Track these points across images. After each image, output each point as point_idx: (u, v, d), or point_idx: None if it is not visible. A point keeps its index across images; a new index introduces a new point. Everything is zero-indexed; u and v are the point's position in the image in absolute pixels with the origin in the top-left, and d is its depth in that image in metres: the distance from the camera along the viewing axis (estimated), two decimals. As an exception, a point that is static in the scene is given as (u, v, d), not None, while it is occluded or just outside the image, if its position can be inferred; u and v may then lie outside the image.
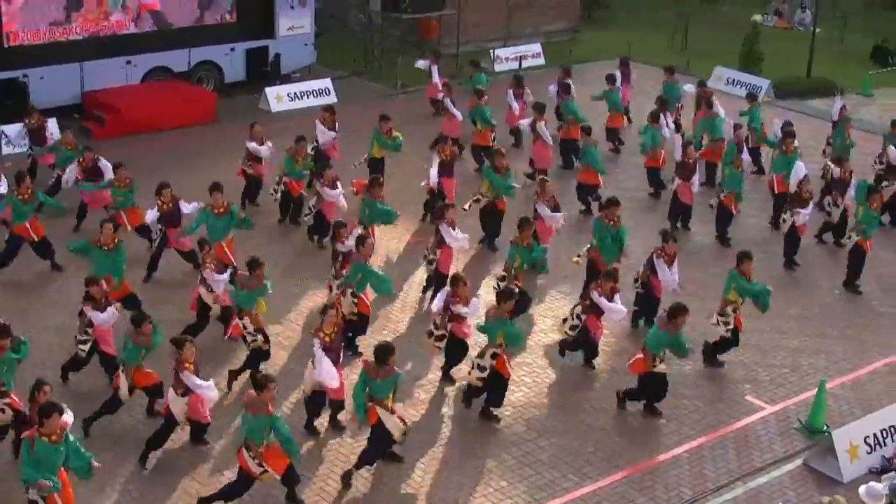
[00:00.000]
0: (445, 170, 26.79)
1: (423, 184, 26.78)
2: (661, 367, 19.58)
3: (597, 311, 20.83)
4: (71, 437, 15.27)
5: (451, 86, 33.55)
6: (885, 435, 18.77)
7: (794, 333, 23.23)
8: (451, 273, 21.76)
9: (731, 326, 21.21)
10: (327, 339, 18.17)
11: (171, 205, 23.47)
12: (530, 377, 20.93)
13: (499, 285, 21.99)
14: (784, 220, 26.09)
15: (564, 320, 21.52)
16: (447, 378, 20.57)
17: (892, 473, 17.81)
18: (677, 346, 19.55)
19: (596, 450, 18.88)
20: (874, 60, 47.59)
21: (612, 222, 23.04)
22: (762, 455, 19.03)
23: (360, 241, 20.98)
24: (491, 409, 19.49)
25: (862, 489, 16.02)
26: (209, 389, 17.43)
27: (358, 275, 20.79)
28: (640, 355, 19.62)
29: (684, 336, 19.71)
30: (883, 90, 43.14)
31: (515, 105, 32.82)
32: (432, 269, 22.90)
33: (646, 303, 22.65)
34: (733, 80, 41.30)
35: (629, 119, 35.43)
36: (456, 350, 20.30)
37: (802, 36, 49.30)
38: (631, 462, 18.60)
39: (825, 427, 19.55)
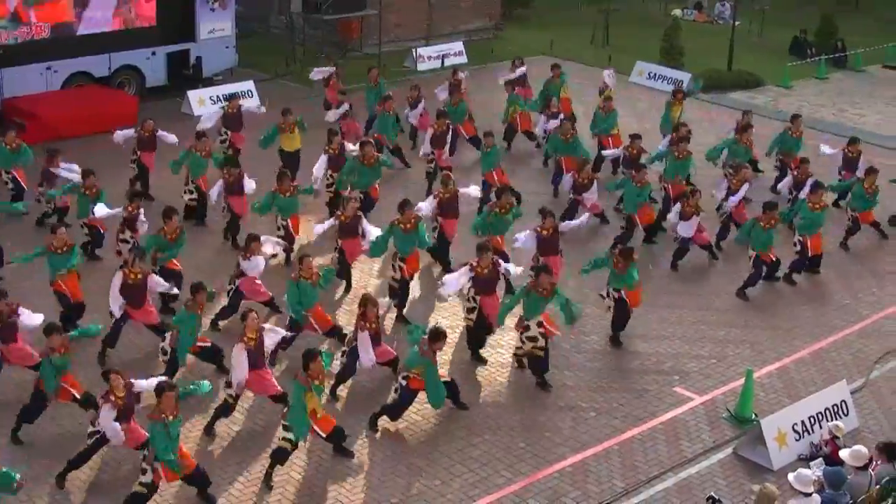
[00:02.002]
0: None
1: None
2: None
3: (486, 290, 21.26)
4: None
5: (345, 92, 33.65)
6: (812, 422, 18.98)
7: (719, 324, 23.44)
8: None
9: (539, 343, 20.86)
10: (251, 343, 18.33)
11: (136, 212, 23.87)
12: (460, 376, 20.92)
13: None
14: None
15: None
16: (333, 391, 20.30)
17: (821, 460, 18.05)
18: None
19: (527, 445, 18.93)
20: (793, 53, 48.09)
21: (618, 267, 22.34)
22: (692, 445, 19.17)
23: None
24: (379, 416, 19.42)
25: (791, 476, 16.16)
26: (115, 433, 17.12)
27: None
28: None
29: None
30: (801, 82, 43.68)
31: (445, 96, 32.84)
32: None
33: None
34: (655, 75, 41.60)
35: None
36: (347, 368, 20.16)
37: (722, 29, 49.75)
38: (562, 457, 18.67)
39: (753, 416, 19.75)
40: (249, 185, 25.79)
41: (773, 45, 49.23)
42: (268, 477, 17.65)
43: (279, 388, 18.93)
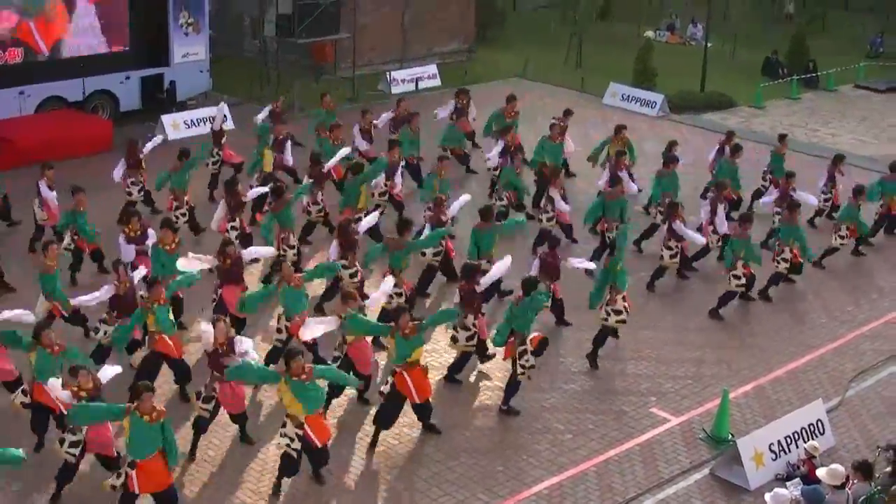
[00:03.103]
0: None
1: None
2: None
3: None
4: None
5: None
6: (788, 441, 19.01)
7: (695, 345, 23.49)
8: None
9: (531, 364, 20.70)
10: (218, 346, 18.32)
11: (139, 233, 23.54)
12: (435, 398, 20.86)
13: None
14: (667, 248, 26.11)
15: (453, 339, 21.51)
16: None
17: (798, 479, 18.07)
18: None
19: (504, 468, 18.89)
20: (765, 73, 48.36)
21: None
22: (669, 466, 19.18)
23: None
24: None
25: (767, 496, 16.24)
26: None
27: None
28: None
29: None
30: (773, 102, 43.89)
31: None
32: None
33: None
34: (628, 97, 41.75)
35: (474, 144, 34.89)
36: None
37: (695, 50, 50.03)
38: (539, 479, 18.62)
39: (730, 436, 19.76)
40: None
41: (745, 65, 49.50)
42: (276, 489, 17.74)
43: (245, 405, 18.97)
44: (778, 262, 25.60)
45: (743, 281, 24.79)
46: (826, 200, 29.79)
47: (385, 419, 19.21)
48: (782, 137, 31.43)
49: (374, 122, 31.96)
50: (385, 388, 19.17)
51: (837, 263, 27.77)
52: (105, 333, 20.56)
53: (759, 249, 25.31)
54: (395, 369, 19.02)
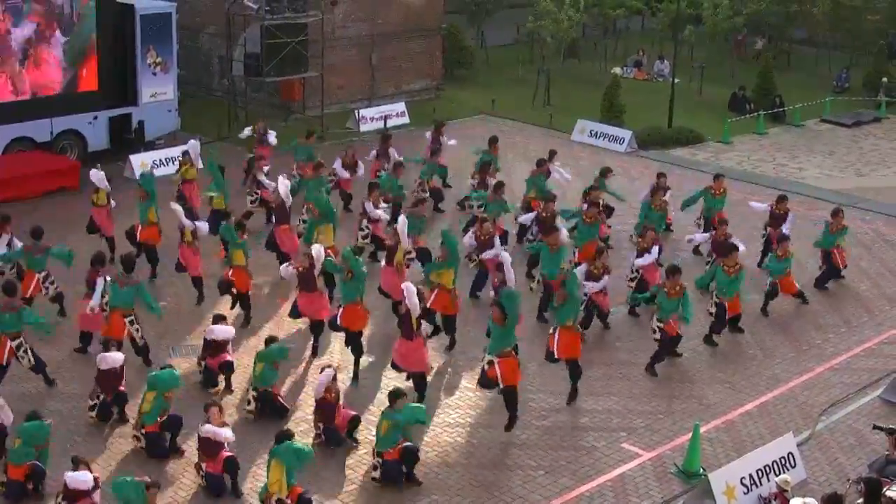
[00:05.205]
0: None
1: None
2: None
3: None
4: None
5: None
6: (760, 475, 19.02)
7: (666, 380, 23.49)
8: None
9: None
10: None
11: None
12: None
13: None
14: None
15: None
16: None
17: (770, 513, 18.12)
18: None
19: (476, 505, 18.90)
20: (732, 109, 48.58)
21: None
22: (641, 501, 19.15)
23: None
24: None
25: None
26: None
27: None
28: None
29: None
30: (741, 137, 44.10)
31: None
32: None
33: None
34: (597, 133, 41.85)
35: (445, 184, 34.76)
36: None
37: (662, 87, 50.25)
38: (511, 516, 18.64)
39: (701, 470, 19.77)
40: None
41: (712, 101, 49.74)
42: None
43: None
44: (712, 306, 25.54)
45: (658, 336, 23.89)
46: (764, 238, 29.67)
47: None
48: (717, 177, 30.71)
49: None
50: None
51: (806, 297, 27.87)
52: None
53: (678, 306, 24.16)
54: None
